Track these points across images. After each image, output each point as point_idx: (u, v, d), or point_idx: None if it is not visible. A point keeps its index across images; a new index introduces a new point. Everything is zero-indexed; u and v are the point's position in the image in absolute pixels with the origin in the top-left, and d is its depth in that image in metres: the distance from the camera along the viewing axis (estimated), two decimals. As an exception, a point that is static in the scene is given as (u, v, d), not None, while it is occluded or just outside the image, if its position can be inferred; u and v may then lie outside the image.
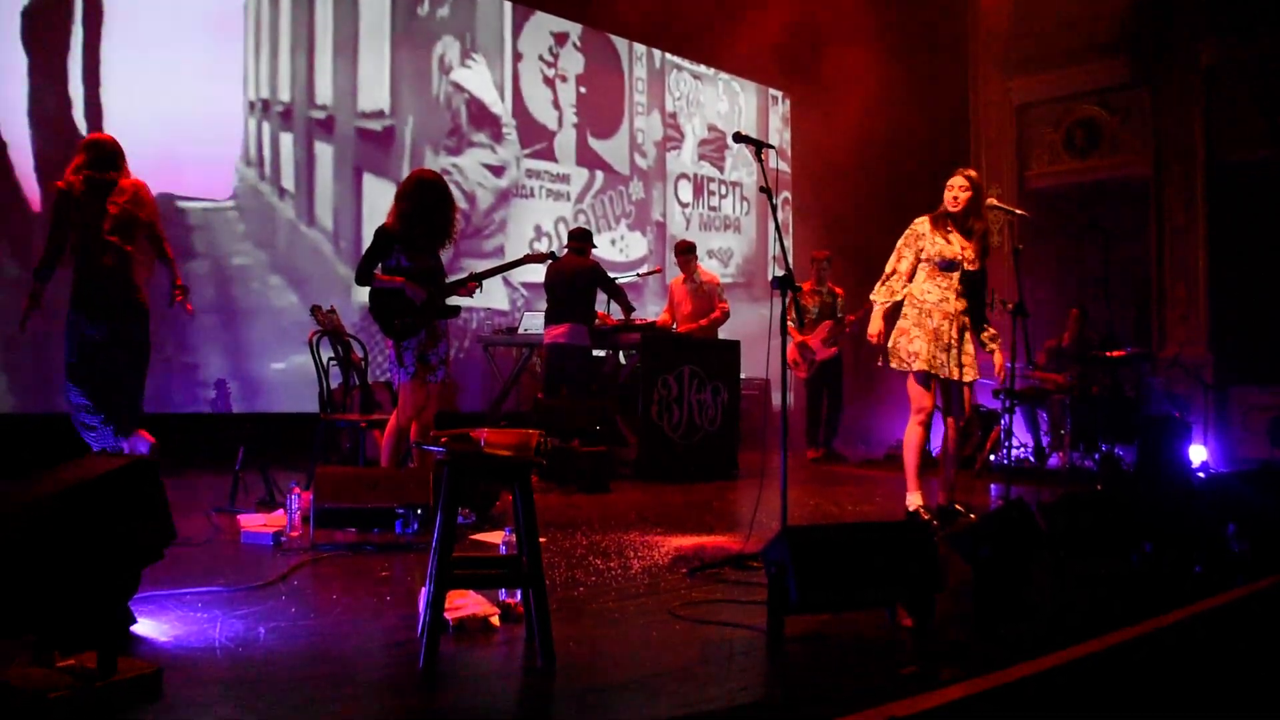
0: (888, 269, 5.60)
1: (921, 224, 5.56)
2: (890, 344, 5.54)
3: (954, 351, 5.43)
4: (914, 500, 5.51)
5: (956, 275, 5.45)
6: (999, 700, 2.78)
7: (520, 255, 6.19)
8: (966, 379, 5.47)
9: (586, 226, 9.38)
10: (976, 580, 3.75)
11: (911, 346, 5.44)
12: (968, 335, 5.50)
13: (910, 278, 5.55)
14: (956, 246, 5.46)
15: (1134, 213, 10.72)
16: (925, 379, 5.43)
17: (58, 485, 2.73)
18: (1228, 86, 10.13)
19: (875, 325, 5.54)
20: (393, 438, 5.38)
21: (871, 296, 5.62)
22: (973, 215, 5.52)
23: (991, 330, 5.63)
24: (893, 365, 5.54)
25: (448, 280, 5.52)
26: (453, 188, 5.61)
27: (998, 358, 5.64)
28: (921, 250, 5.51)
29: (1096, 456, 8.22)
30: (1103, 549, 4.18)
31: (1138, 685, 3.07)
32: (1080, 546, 4.12)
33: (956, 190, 5.47)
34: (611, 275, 8.22)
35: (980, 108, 11.78)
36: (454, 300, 5.52)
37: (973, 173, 5.61)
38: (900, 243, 5.60)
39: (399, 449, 5.40)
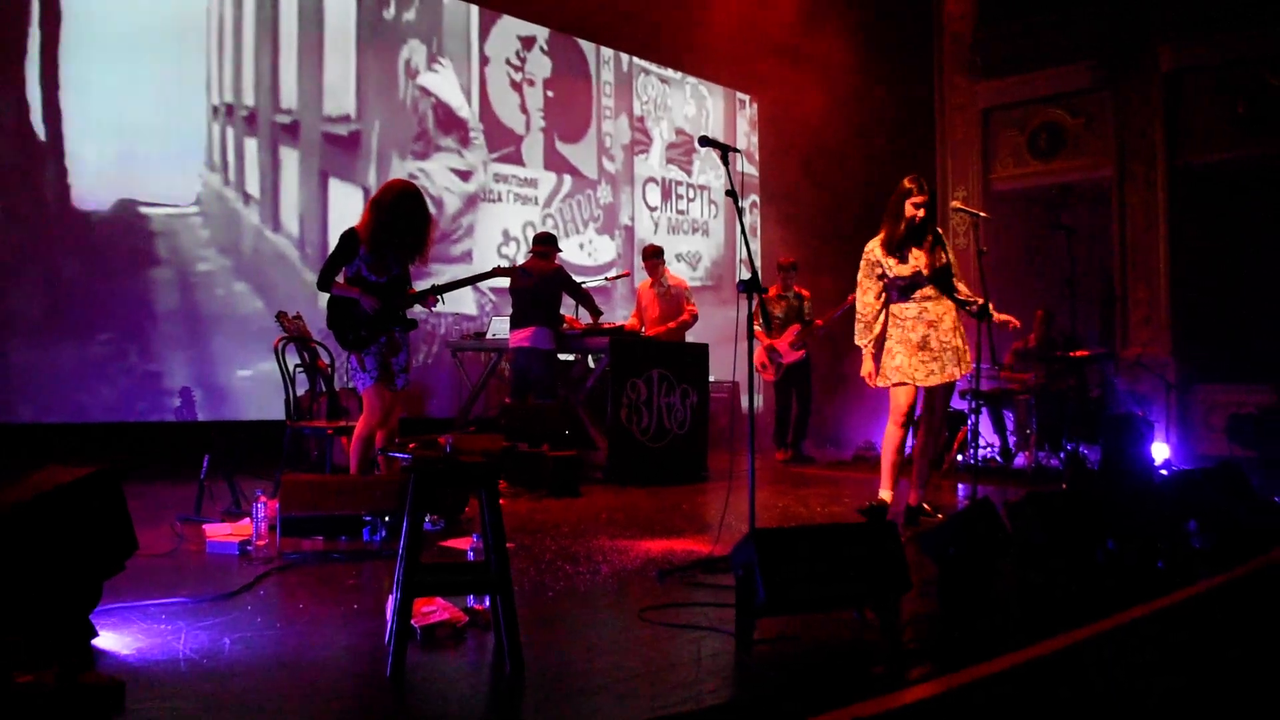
0: (860, 308, 5.65)
1: (872, 251, 5.60)
2: (880, 366, 5.62)
3: (948, 353, 5.51)
4: (886, 495, 5.64)
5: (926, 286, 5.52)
6: (966, 698, 2.80)
7: (490, 268, 6.17)
8: (959, 375, 5.55)
9: (551, 231, 9.37)
10: (943, 579, 3.79)
11: (893, 362, 5.55)
12: (957, 333, 5.55)
13: (884, 303, 5.61)
14: (910, 261, 5.51)
15: (1098, 214, 10.85)
16: (905, 390, 5.55)
17: (12, 499, 2.70)
18: (1188, 90, 10.27)
19: (867, 367, 5.66)
20: (360, 445, 5.35)
21: (857, 341, 5.68)
22: (930, 223, 5.55)
23: (969, 296, 5.65)
24: (880, 384, 5.65)
25: (412, 289, 5.48)
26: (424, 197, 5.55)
27: (996, 315, 5.63)
28: (881, 276, 5.57)
29: (1062, 455, 8.31)
30: (1067, 547, 4.21)
31: (1102, 681, 3.10)
32: (1045, 545, 4.16)
33: (919, 200, 5.49)
34: (580, 280, 8.22)
35: (946, 111, 11.86)
36: (415, 313, 5.49)
37: (923, 181, 5.61)
38: (860, 276, 5.65)
39: (366, 455, 5.37)
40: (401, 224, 5.23)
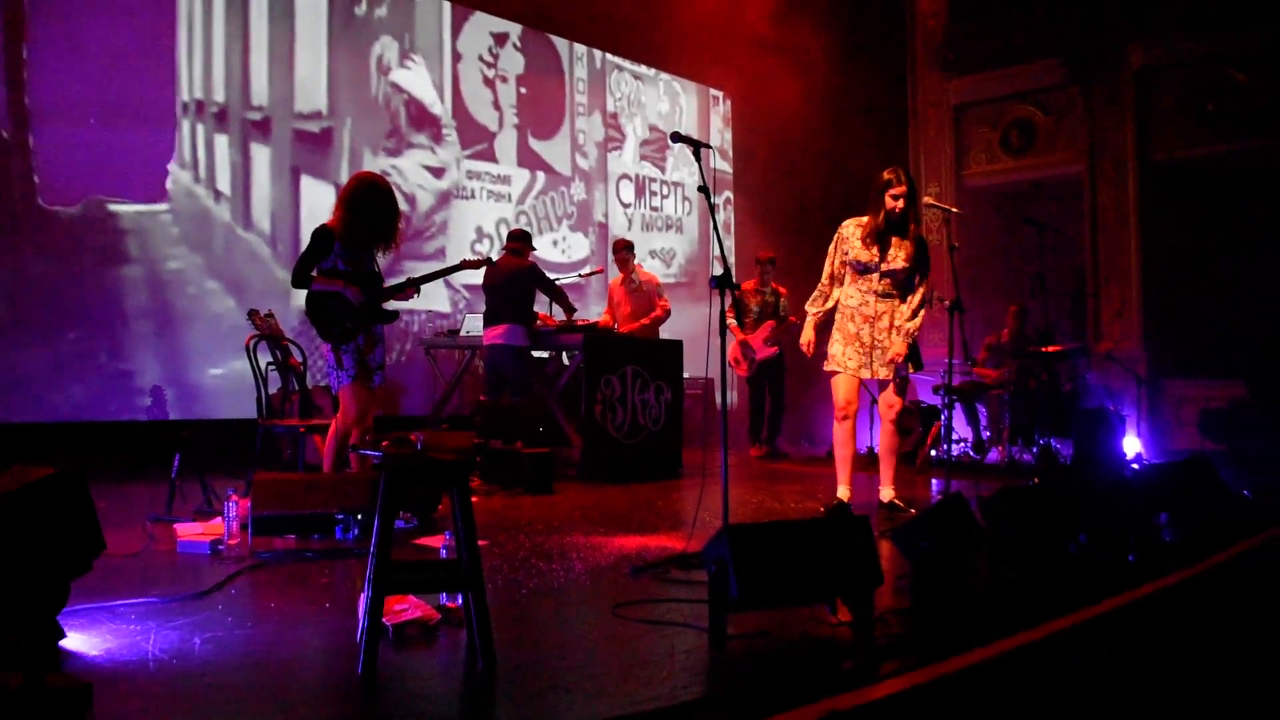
0: (823, 277, 5.81)
1: (846, 227, 5.72)
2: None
3: (877, 352, 5.59)
4: (843, 492, 5.74)
5: (875, 277, 5.55)
6: (938, 693, 2.81)
7: (457, 261, 6.14)
8: (884, 376, 5.60)
9: (525, 228, 9.32)
10: (916, 574, 3.80)
11: (831, 350, 5.73)
12: (892, 334, 5.57)
13: (841, 281, 5.72)
14: (876, 250, 5.55)
15: (1069, 210, 10.92)
16: (841, 380, 5.67)
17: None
18: (1158, 87, 10.36)
19: (806, 335, 5.82)
20: (334, 443, 5.31)
21: (806, 306, 5.86)
22: (911, 214, 5.58)
23: (908, 323, 5.62)
24: (824, 368, 5.79)
25: (386, 285, 5.45)
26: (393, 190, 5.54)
27: (896, 341, 5.59)
28: (846, 254, 5.68)
29: (1034, 450, 8.36)
30: (1040, 541, 4.24)
31: (1073, 674, 3.12)
32: (1018, 539, 4.18)
33: (897, 191, 5.51)
34: (554, 276, 8.20)
35: (919, 108, 11.92)
36: (392, 305, 5.46)
37: (901, 172, 5.63)
38: (830, 248, 5.80)
39: (341, 454, 5.33)
40: (374, 217, 5.25)
